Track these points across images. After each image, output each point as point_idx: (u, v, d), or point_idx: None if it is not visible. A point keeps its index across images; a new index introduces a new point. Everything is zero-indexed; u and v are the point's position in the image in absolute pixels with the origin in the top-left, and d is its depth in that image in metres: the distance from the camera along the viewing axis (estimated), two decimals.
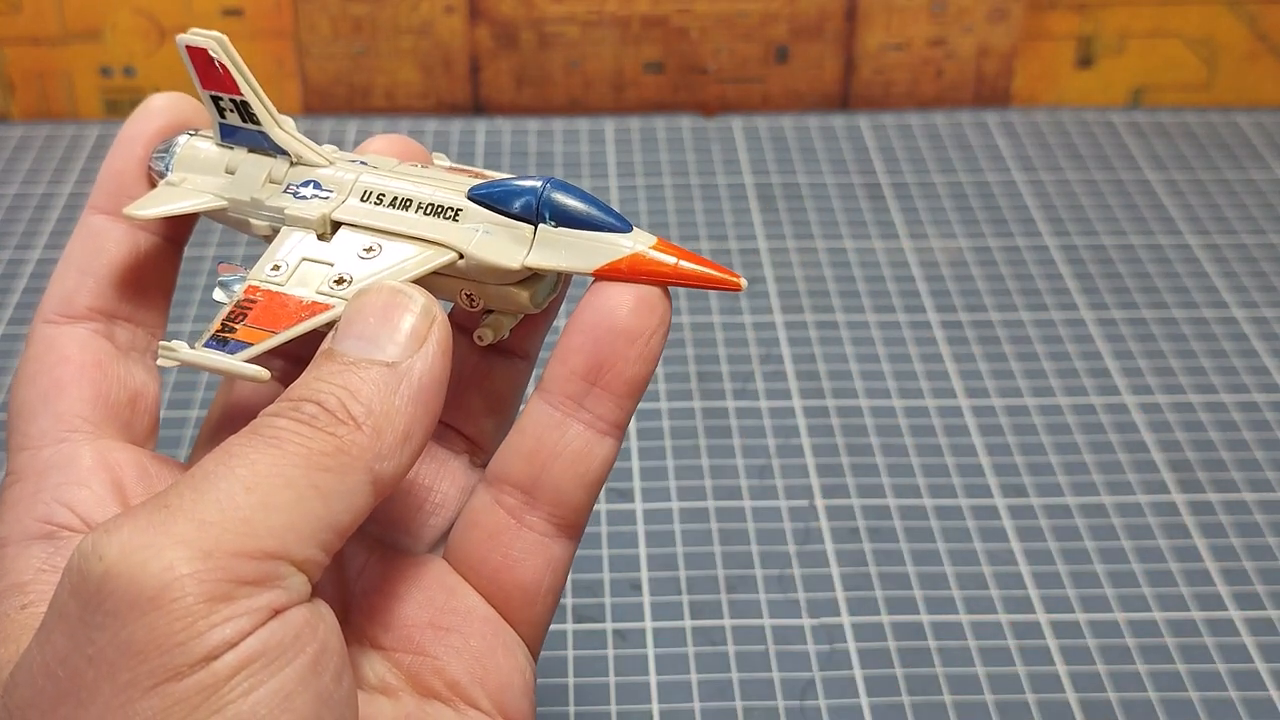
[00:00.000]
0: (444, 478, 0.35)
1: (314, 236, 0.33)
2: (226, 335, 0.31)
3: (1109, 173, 0.76)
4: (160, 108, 0.35)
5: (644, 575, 0.51)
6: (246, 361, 0.30)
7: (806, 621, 0.50)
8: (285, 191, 0.33)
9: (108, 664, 0.25)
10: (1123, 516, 0.54)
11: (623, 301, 0.31)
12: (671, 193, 0.74)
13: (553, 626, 0.49)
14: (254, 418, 0.29)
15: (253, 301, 0.31)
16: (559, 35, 0.79)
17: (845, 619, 0.50)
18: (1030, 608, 0.50)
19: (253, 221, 0.34)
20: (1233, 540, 0.53)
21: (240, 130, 0.34)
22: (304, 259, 0.32)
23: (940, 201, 0.73)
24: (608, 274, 0.31)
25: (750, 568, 0.52)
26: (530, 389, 0.36)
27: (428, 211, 0.32)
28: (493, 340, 0.33)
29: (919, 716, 0.46)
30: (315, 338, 0.31)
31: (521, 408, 0.33)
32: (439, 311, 0.30)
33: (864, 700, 0.47)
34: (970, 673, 0.48)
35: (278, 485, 0.27)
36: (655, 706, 0.47)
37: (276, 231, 0.33)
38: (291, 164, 0.34)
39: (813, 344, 0.63)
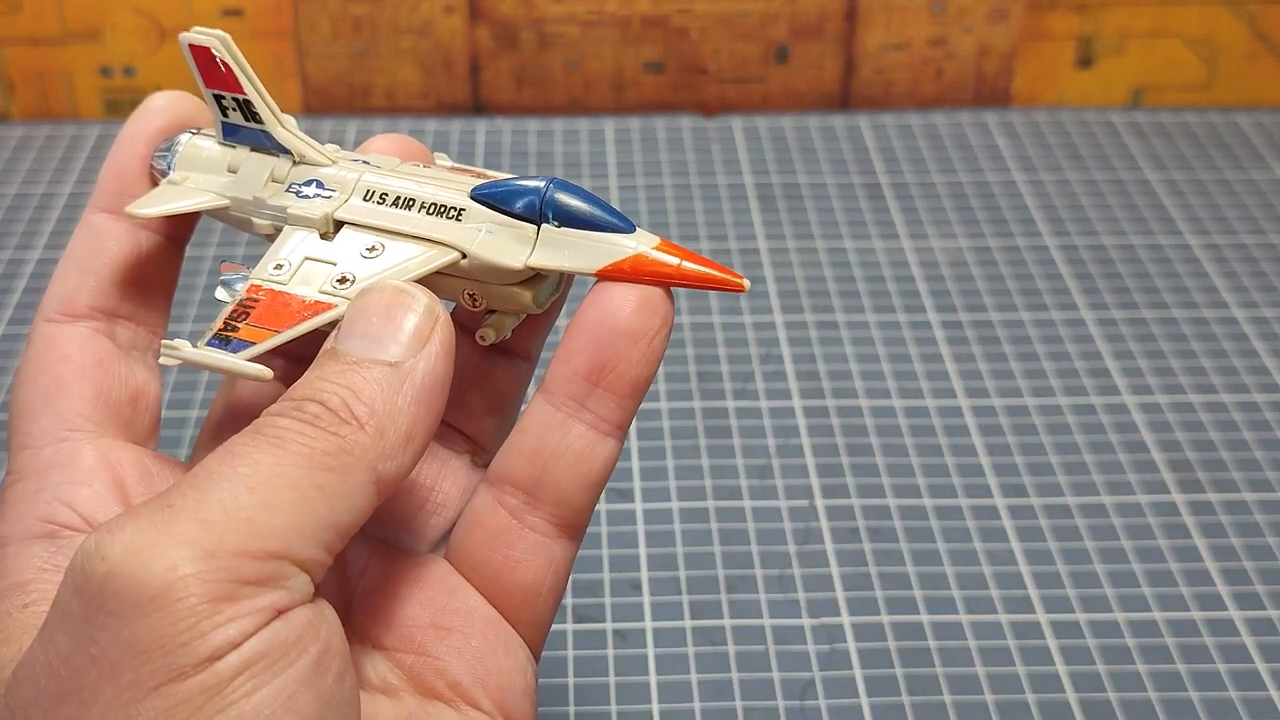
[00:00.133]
0: (445, 478, 0.35)
1: (317, 236, 0.33)
2: (229, 334, 0.31)
3: (1109, 173, 0.76)
4: (161, 107, 0.35)
5: (644, 575, 0.51)
6: (249, 360, 0.30)
7: (806, 621, 0.50)
8: (288, 190, 0.33)
9: (110, 664, 0.25)
10: (1123, 516, 0.54)
11: (625, 302, 0.31)
12: (671, 193, 0.74)
13: (553, 626, 0.49)
14: (256, 417, 0.29)
15: (255, 300, 0.31)
16: (559, 35, 0.79)
17: (845, 619, 0.50)
18: (1030, 608, 0.50)
19: (255, 221, 0.34)
20: (1233, 540, 0.53)
21: (243, 129, 0.34)
22: (307, 258, 0.32)
23: (940, 201, 0.73)
24: (610, 274, 0.31)
25: (750, 568, 0.52)
26: (531, 389, 0.36)
27: (430, 211, 0.32)
28: (495, 340, 0.33)
29: (919, 716, 0.46)
30: (317, 337, 0.31)
31: (523, 408, 0.33)
32: (442, 311, 0.30)
33: (864, 700, 0.47)
34: (970, 673, 0.48)
35: (281, 485, 0.27)
36: (655, 706, 0.47)
37: (279, 231, 0.33)
38: (294, 163, 0.34)
39: (813, 344, 0.63)
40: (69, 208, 0.72)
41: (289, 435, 0.28)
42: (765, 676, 0.48)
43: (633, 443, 0.57)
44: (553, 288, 0.33)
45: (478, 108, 0.81)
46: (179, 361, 0.30)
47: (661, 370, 0.61)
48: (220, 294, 0.33)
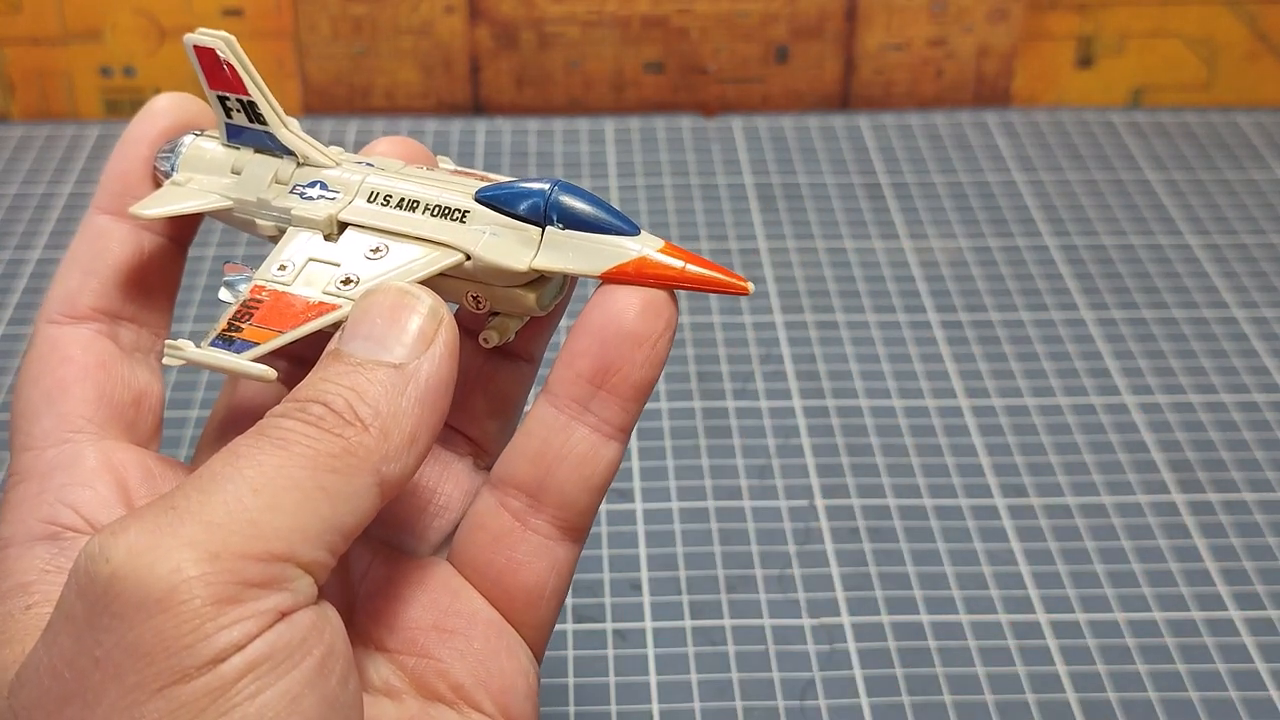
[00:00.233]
0: (447, 480, 0.35)
1: (321, 237, 0.33)
2: (233, 334, 0.31)
3: (1109, 173, 0.76)
4: (164, 108, 0.35)
5: (644, 575, 0.51)
6: (253, 361, 0.30)
7: (806, 621, 0.50)
8: (292, 192, 0.33)
9: (114, 666, 0.25)
10: (1123, 516, 0.54)
11: (630, 305, 0.31)
12: (671, 193, 0.74)
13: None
14: (259, 419, 0.29)
15: (259, 301, 0.31)
16: (559, 35, 0.79)
17: (845, 619, 0.50)
18: (1030, 608, 0.50)
19: (259, 222, 0.34)
20: (1233, 540, 0.53)
21: (247, 130, 0.34)
22: (310, 259, 0.32)
23: (940, 201, 0.73)
24: (615, 277, 0.31)
25: (750, 568, 0.52)
26: (532, 392, 0.36)
27: (435, 213, 0.32)
28: (498, 343, 0.33)
29: (919, 716, 0.46)
30: (319, 339, 0.31)
31: (526, 410, 0.33)
32: (446, 313, 0.30)
33: (864, 700, 0.47)
34: (970, 673, 0.48)
35: (285, 487, 0.27)
36: (655, 706, 0.47)
37: (282, 232, 0.33)
38: (298, 164, 0.34)
39: (813, 344, 0.63)
40: (69, 208, 0.72)
41: (293, 437, 0.28)
42: (765, 676, 0.48)
43: (633, 443, 0.57)
44: (556, 290, 0.33)
45: (478, 108, 0.81)
46: (183, 362, 0.30)
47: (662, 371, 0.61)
48: (223, 294, 0.33)
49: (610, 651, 0.49)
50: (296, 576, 0.27)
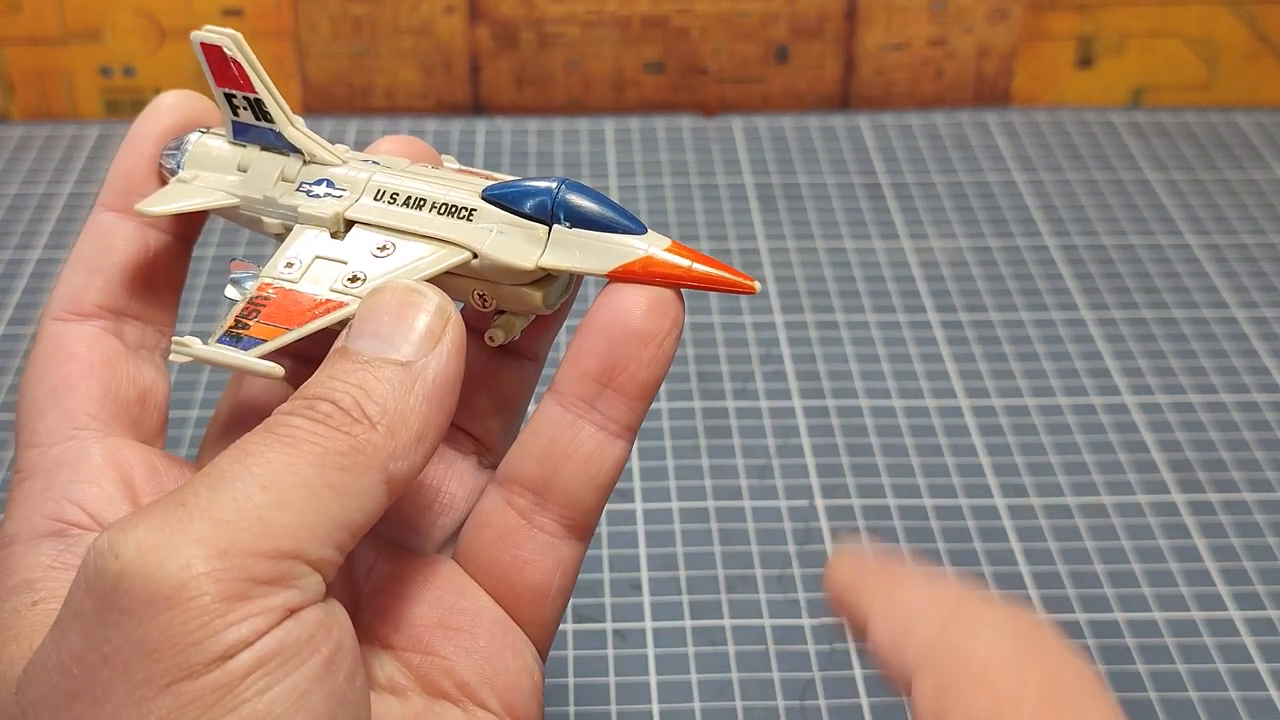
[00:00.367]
0: (452, 478, 0.35)
1: (328, 234, 0.33)
2: (240, 331, 0.31)
3: (1109, 173, 0.76)
4: (170, 106, 0.35)
5: (644, 575, 0.51)
6: (260, 358, 0.30)
7: (806, 621, 0.50)
8: (298, 190, 0.33)
9: (123, 662, 0.25)
10: (1123, 516, 0.54)
11: (636, 304, 0.31)
12: (671, 193, 0.74)
13: None
14: (264, 417, 0.29)
15: (266, 298, 0.31)
16: (559, 35, 0.79)
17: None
18: (1030, 608, 0.50)
19: (265, 219, 0.34)
20: (1233, 540, 0.53)
21: (253, 128, 0.34)
22: (317, 257, 0.32)
23: (940, 201, 0.73)
24: (621, 276, 0.31)
25: (750, 568, 0.52)
26: (537, 392, 0.36)
27: (441, 211, 0.32)
28: (504, 341, 0.33)
29: None
30: (325, 337, 0.31)
31: (531, 409, 0.33)
32: (453, 311, 0.30)
33: (864, 700, 0.47)
34: None
35: (293, 484, 0.27)
36: (655, 706, 0.47)
37: (289, 230, 0.33)
38: (304, 162, 0.34)
39: (813, 344, 0.63)
40: (69, 208, 0.72)
41: (301, 434, 0.28)
42: (765, 676, 0.48)
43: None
44: (562, 289, 0.33)
45: (478, 108, 0.81)
46: (190, 358, 0.30)
47: None
48: (230, 292, 0.33)
49: (610, 651, 0.49)
50: (305, 574, 0.27)
